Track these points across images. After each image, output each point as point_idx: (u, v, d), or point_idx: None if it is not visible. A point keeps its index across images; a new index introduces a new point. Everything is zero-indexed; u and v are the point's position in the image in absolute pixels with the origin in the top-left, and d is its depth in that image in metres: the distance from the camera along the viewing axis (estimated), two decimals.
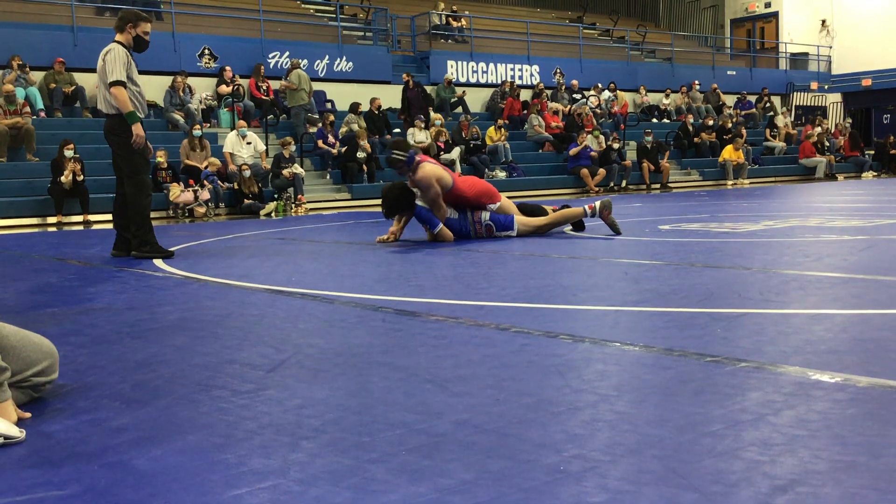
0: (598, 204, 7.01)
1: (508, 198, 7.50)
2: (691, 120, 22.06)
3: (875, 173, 22.99)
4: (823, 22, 28.62)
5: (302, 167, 14.80)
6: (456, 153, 16.97)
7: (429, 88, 20.05)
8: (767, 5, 29.59)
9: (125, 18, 6.68)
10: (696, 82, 24.29)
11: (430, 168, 6.86)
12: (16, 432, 2.03)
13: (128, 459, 1.89)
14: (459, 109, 19.56)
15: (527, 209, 7.36)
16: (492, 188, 7.26)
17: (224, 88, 16.46)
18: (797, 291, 3.94)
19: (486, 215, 7.06)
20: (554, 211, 7.33)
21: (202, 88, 16.58)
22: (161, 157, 13.29)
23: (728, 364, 2.52)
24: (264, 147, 14.82)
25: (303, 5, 21.43)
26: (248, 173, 13.64)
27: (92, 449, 1.97)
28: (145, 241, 6.55)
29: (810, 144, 22.18)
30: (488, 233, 7.05)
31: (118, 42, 6.60)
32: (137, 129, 6.47)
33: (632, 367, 2.60)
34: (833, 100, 28.57)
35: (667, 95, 23.43)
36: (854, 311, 3.37)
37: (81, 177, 12.37)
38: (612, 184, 18.41)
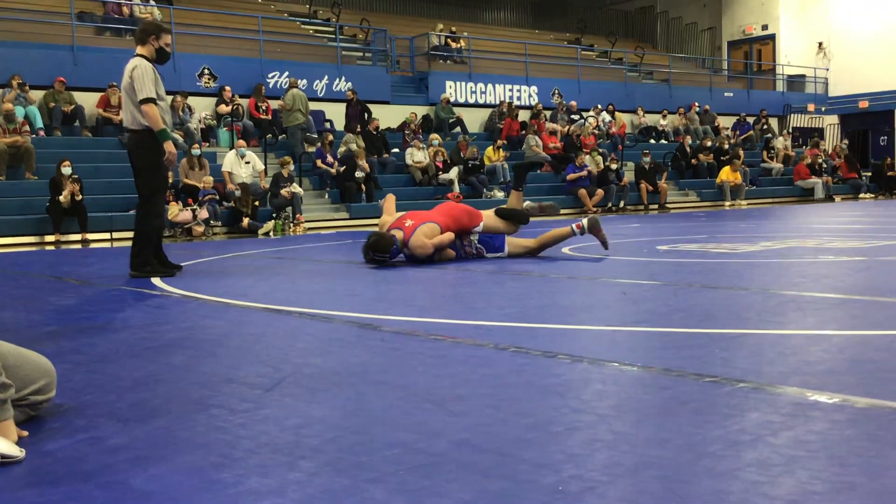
0: (585, 222, 6.90)
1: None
2: (689, 141, 22.15)
3: (872, 195, 23.06)
4: (820, 44, 28.80)
5: (300, 186, 14.84)
6: (454, 173, 17.02)
7: (427, 109, 20.14)
8: (764, 28, 29.77)
9: (147, 31, 6.56)
10: (695, 104, 24.42)
11: (416, 239, 6.65)
12: (16, 451, 2.02)
13: (125, 479, 1.88)
14: (458, 129, 19.63)
15: (504, 213, 7.14)
16: (470, 210, 7.01)
17: (223, 108, 16.52)
18: (795, 312, 3.95)
19: (475, 238, 7.03)
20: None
21: (201, 108, 16.63)
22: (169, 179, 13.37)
23: (726, 384, 2.52)
24: (263, 166, 14.85)
25: (302, 26, 21.54)
26: (237, 192, 13.65)
27: (89, 468, 1.96)
28: (146, 261, 6.48)
29: (804, 166, 22.28)
30: (479, 254, 7.03)
31: (141, 56, 6.48)
32: (169, 146, 6.39)
33: (630, 387, 2.60)
34: (830, 121, 28.69)
35: (664, 116, 23.54)
36: (852, 332, 3.37)
37: (80, 196, 12.39)
38: (609, 204, 18.45)
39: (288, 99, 16.25)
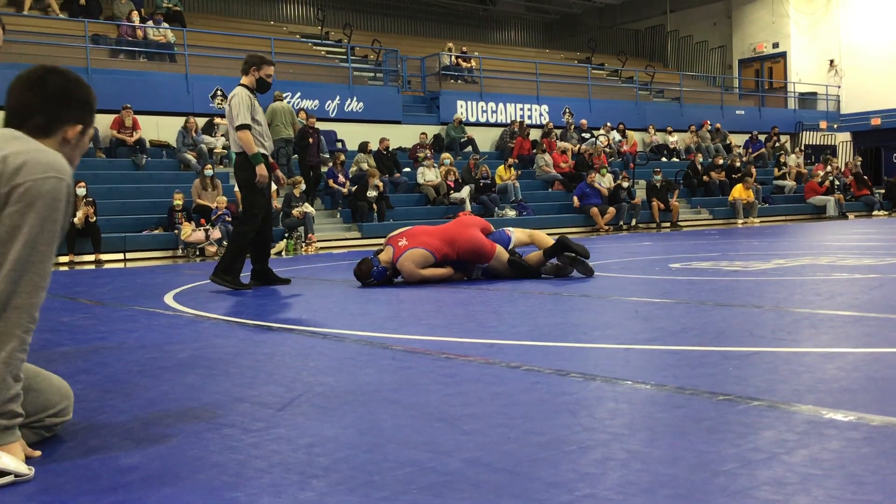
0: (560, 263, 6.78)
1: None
2: (700, 159, 22.14)
3: (886, 212, 22.95)
4: (832, 62, 28.77)
5: (312, 206, 14.88)
6: (465, 192, 17.06)
7: (438, 128, 20.21)
8: (775, 45, 29.78)
9: (249, 62, 7.08)
10: (707, 121, 24.42)
11: (404, 265, 6.65)
12: (25, 470, 2.03)
13: (137, 498, 1.88)
14: (469, 149, 19.68)
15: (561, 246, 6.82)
16: (479, 248, 6.72)
17: None
18: (809, 330, 3.92)
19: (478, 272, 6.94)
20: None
21: (223, 129, 16.70)
22: (178, 200, 13.47)
23: (740, 402, 2.50)
24: (275, 186, 14.88)
25: (314, 47, 21.69)
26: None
27: (101, 487, 1.96)
28: (230, 270, 6.92)
29: (815, 184, 22.21)
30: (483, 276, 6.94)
31: (243, 85, 7.01)
32: (261, 169, 6.91)
33: (643, 405, 2.58)
34: (842, 139, 28.63)
35: (669, 133, 23.52)
36: (867, 350, 3.35)
37: (94, 217, 12.47)
38: (621, 222, 18.44)
39: (266, 115, 16.09)
